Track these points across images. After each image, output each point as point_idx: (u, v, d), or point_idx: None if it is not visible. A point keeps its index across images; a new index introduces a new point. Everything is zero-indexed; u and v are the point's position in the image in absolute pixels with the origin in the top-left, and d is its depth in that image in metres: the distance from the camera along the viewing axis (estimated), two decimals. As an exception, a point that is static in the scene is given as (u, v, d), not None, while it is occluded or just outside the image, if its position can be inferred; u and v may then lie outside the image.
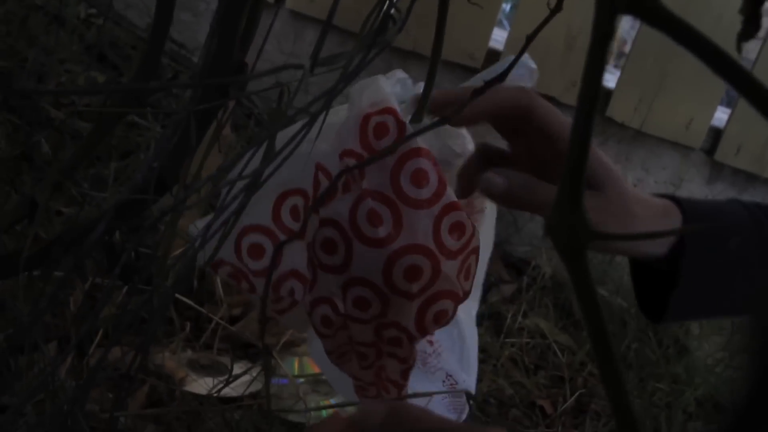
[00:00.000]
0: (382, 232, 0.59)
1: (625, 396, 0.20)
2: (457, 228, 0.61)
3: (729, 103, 2.42)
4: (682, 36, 0.19)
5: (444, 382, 0.74)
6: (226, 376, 1.36)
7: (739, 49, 0.39)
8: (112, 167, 1.78)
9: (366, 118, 0.61)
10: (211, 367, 1.44)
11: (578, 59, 2.11)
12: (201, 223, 0.67)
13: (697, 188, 2.29)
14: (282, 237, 0.65)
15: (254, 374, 1.38)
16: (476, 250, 0.64)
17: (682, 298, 0.72)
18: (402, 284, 0.60)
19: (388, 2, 0.57)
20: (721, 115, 2.29)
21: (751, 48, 2.25)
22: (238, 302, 1.64)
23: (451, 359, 0.75)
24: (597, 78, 0.20)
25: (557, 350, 1.81)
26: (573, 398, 1.66)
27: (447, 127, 0.66)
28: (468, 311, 0.78)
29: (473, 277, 0.66)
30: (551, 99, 2.17)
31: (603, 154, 0.68)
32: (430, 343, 0.74)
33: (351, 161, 0.60)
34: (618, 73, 2.23)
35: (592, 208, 0.66)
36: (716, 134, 2.26)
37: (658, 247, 0.71)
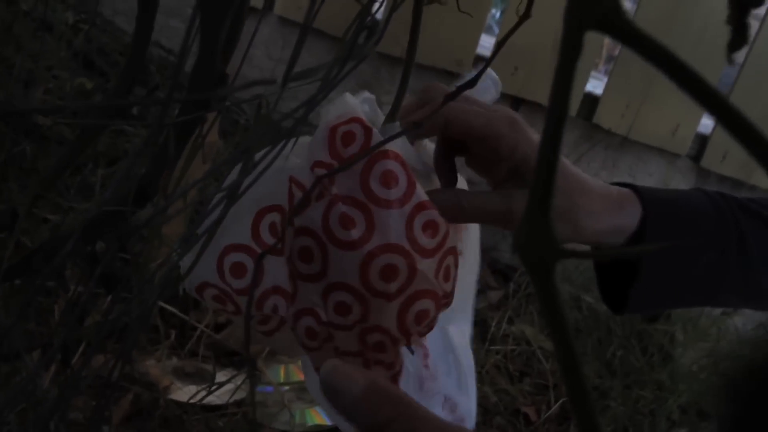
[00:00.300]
0: (355, 234, 0.60)
1: (594, 419, 0.20)
2: (430, 226, 0.61)
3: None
4: (652, 54, 0.19)
5: (443, 405, 0.74)
6: (210, 384, 1.36)
7: (729, 59, 0.39)
8: (99, 174, 1.78)
9: (333, 129, 0.62)
10: (196, 374, 1.43)
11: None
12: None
13: (683, 195, 2.30)
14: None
15: (239, 382, 1.38)
16: (453, 251, 0.64)
17: (643, 288, 0.72)
18: (379, 285, 0.60)
19: (366, 13, 0.57)
20: (707, 122, 2.30)
21: (739, 52, 2.26)
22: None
23: (449, 383, 0.75)
24: (565, 97, 0.20)
25: (542, 357, 1.81)
26: (557, 405, 1.67)
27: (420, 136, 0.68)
28: (462, 335, 0.78)
29: (454, 280, 0.66)
30: (539, 106, 2.18)
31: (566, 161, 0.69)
32: (426, 366, 0.74)
33: (322, 171, 0.61)
34: (605, 80, 2.24)
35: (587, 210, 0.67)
36: (702, 141, 2.27)
37: (615, 237, 0.71)
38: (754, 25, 2.25)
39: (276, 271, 0.65)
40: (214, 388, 1.32)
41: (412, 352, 0.67)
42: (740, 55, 2.27)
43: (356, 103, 0.64)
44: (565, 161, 0.69)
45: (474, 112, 0.67)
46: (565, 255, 0.19)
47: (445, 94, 0.62)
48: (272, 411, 1.40)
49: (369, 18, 0.55)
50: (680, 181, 2.29)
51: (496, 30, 2.85)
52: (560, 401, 1.67)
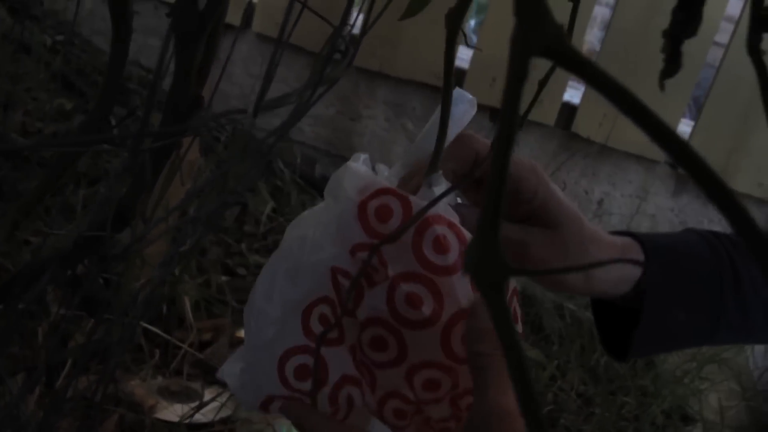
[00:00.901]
0: (426, 311, 0.57)
1: (541, 423, 0.21)
2: None
3: (692, 116, 2.46)
4: (595, 80, 0.20)
5: None
6: (196, 403, 1.36)
7: (661, 86, 0.40)
8: (80, 194, 1.78)
9: (362, 206, 0.59)
10: (182, 393, 1.44)
11: (541, 76, 2.13)
12: None
13: (662, 201, 2.32)
14: (321, 349, 0.63)
15: (224, 400, 1.38)
16: (515, 291, 0.63)
17: (644, 334, 0.72)
18: (463, 351, 0.59)
19: (338, 35, 0.58)
20: (684, 128, 2.32)
21: (716, 56, 2.29)
22: (208, 327, 1.65)
23: None
24: (512, 118, 0.21)
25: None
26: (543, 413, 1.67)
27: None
28: None
29: (520, 318, 0.65)
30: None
31: (561, 193, 0.69)
32: None
33: (363, 255, 0.58)
34: (582, 89, 2.26)
35: (549, 246, 0.67)
36: (680, 147, 2.29)
37: (621, 287, 0.72)
38: (727, 27, 2.28)
39: (340, 361, 0.63)
40: (197, 405, 1.33)
41: None
42: (716, 59, 2.30)
43: (370, 172, 0.61)
44: (582, 216, 0.70)
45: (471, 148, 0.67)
46: (514, 273, 0.20)
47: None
48: (258, 427, 1.40)
49: (341, 40, 0.56)
50: (660, 187, 2.31)
51: (475, 39, 2.87)
52: (546, 409, 1.68)
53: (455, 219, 0.59)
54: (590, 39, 3.26)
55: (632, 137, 2.20)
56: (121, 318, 0.71)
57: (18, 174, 1.61)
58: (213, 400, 1.36)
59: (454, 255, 0.58)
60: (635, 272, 0.72)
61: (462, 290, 0.58)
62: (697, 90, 2.32)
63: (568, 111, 2.22)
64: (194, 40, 0.68)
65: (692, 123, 2.31)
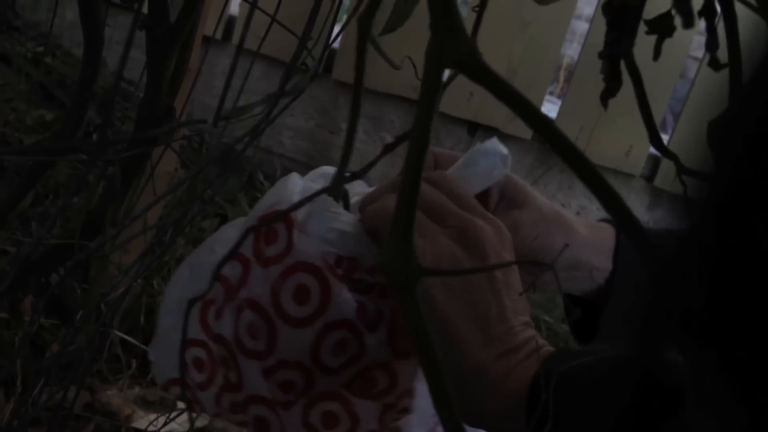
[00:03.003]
0: (259, 345, 0.59)
1: (458, 422, 0.22)
2: (341, 344, 0.59)
3: (667, 130, 2.48)
4: (499, 91, 0.22)
5: None
6: (172, 412, 1.37)
7: (604, 106, 0.42)
8: (58, 205, 1.79)
9: (261, 218, 0.61)
10: (159, 403, 1.44)
11: (519, 90, 2.15)
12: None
13: (637, 214, 2.33)
14: (213, 346, 0.63)
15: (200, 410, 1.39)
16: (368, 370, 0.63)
17: (613, 320, 0.74)
18: (281, 396, 0.61)
19: (302, 47, 0.60)
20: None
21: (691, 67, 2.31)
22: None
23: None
24: (426, 125, 0.22)
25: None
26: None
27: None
28: None
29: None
30: (494, 130, 2.22)
31: (514, 175, 0.71)
32: None
33: (238, 266, 0.60)
34: (559, 104, 2.28)
35: (531, 222, 0.68)
36: (655, 161, 2.32)
37: (597, 280, 0.74)
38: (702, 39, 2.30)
39: (254, 380, 0.63)
40: (174, 415, 1.33)
41: None
42: (691, 71, 2.32)
43: (294, 187, 0.61)
44: (571, 216, 0.72)
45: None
46: (425, 273, 0.22)
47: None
48: (234, 437, 1.41)
49: (305, 53, 0.58)
50: (635, 200, 2.33)
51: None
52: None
53: (330, 259, 0.59)
54: (570, 53, 3.29)
55: (608, 151, 2.22)
56: (91, 324, 0.72)
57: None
58: (187, 409, 1.36)
59: (308, 310, 0.58)
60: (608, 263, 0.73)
61: (300, 347, 0.59)
62: (674, 100, 2.35)
63: (545, 125, 2.24)
64: (165, 50, 0.70)
65: (667, 137, 2.34)
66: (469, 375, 0.56)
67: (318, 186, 0.62)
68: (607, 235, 0.74)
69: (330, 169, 0.66)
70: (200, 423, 1.39)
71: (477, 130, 2.25)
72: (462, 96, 2.17)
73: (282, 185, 0.62)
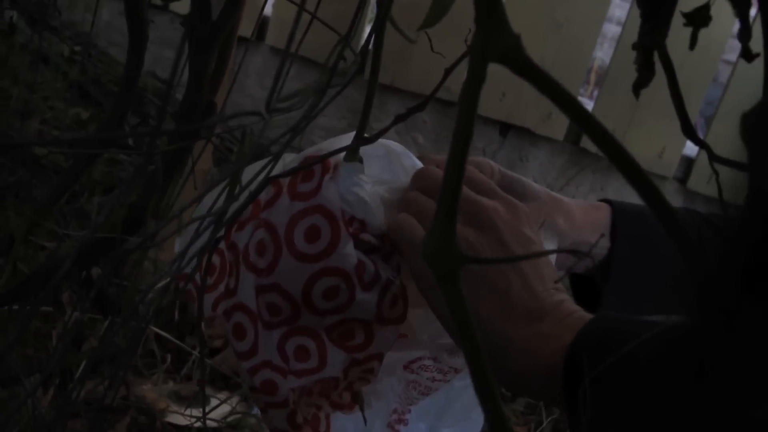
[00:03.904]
0: (261, 263, 0.63)
1: (501, 416, 0.23)
2: (331, 290, 0.63)
3: (701, 132, 2.47)
4: (544, 87, 0.22)
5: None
6: (207, 407, 1.39)
7: (636, 95, 0.43)
8: (95, 202, 1.81)
9: (305, 160, 0.66)
10: (193, 398, 1.46)
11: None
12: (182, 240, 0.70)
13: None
14: (227, 254, 0.67)
15: (234, 404, 1.40)
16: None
17: (614, 289, 0.75)
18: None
19: (345, 43, 0.61)
20: (693, 145, 2.34)
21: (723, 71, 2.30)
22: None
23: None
24: (470, 117, 0.23)
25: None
26: (548, 423, 1.69)
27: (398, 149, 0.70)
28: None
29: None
30: (527, 131, 2.21)
31: (502, 168, 0.72)
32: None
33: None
34: (591, 105, 2.28)
35: (535, 210, 0.69)
36: (688, 163, 2.31)
37: (596, 257, 0.75)
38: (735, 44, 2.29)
39: (247, 291, 0.66)
40: (209, 410, 1.35)
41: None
42: (724, 74, 2.31)
43: (344, 142, 0.66)
44: (567, 199, 0.73)
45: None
46: (468, 261, 0.22)
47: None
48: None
49: (344, 47, 0.59)
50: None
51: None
52: (550, 419, 1.70)
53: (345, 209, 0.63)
54: (600, 55, 3.27)
55: (640, 153, 2.22)
56: (129, 320, 0.74)
57: (34, 179, 1.64)
58: (222, 403, 1.38)
59: (316, 248, 0.62)
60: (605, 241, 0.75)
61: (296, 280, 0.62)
62: (707, 105, 2.34)
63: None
64: (207, 47, 0.71)
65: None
66: (497, 346, 0.57)
67: (370, 151, 0.68)
68: (602, 213, 0.75)
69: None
70: (234, 418, 1.40)
71: (509, 130, 2.25)
72: (494, 96, 2.17)
73: (337, 139, 0.67)
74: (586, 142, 2.23)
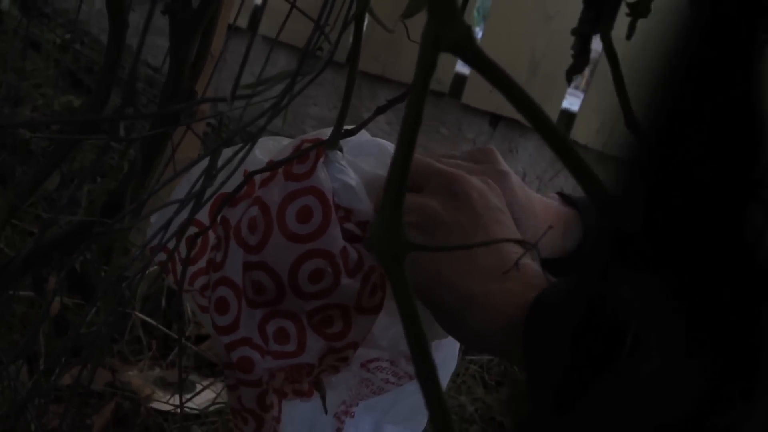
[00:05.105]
0: (252, 240, 0.64)
1: (443, 405, 0.23)
2: (316, 274, 0.64)
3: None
4: (494, 78, 0.23)
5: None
6: (192, 393, 1.39)
7: (568, 81, 0.43)
8: (85, 189, 1.81)
9: (298, 146, 0.67)
10: (178, 384, 1.46)
11: (542, 83, 2.16)
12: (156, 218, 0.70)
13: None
14: (218, 228, 0.68)
15: (218, 391, 1.41)
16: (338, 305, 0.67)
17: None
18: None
19: (319, 29, 0.61)
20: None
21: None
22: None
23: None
24: (419, 105, 0.23)
25: (517, 367, 1.83)
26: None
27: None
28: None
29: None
30: (517, 122, 2.22)
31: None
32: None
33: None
34: (581, 97, 2.28)
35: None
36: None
37: (567, 247, 0.75)
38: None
39: (234, 266, 0.67)
40: (192, 395, 1.36)
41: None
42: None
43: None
44: (530, 192, 0.73)
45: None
46: (413, 248, 0.23)
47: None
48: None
49: (320, 35, 0.59)
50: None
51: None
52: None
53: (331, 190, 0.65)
54: (594, 46, 3.27)
55: (630, 145, 2.21)
56: (112, 304, 0.74)
57: (17, 160, 1.65)
58: (204, 389, 1.39)
59: (308, 228, 0.63)
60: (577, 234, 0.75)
61: (284, 258, 0.63)
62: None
63: (567, 118, 2.25)
64: (188, 35, 0.71)
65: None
66: (459, 304, 0.57)
67: (363, 138, 0.71)
68: (558, 209, 0.75)
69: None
70: (218, 404, 1.41)
71: (499, 121, 2.25)
72: (484, 87, 2.17)
73: (330, 130, 0.69)
74: (575, 134, 2.23)
